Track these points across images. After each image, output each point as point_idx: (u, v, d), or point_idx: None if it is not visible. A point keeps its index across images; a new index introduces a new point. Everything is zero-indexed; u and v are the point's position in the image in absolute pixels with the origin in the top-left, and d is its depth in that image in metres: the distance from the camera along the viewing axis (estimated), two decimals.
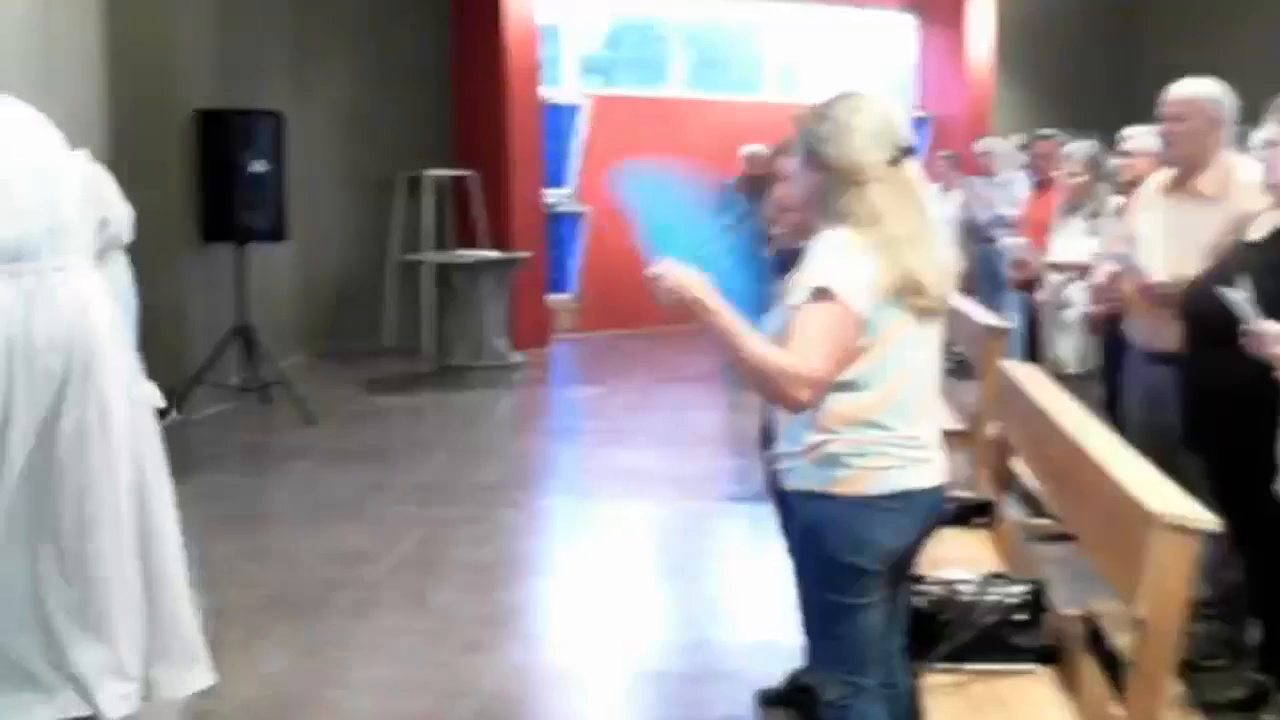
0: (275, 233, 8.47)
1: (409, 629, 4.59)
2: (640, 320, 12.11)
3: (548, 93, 11.60)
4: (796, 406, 2.53)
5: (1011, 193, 9.08)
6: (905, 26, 14.56)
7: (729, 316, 2.51)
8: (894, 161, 2.61)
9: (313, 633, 4.53)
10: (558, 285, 12.05)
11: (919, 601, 3.10)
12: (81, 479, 3.30)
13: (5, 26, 6.84)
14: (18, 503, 3.28)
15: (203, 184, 8.21)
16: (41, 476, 3.28)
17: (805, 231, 3.48)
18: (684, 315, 2.55)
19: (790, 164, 2.74)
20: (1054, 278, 5.95)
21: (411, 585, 5.07)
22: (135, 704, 3.36)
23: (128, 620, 3.35)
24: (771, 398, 2.58)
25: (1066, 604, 3.34)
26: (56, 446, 3.27)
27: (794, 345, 2.50)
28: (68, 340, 3.25)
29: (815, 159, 2.63)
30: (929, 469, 2.68)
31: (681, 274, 2.53)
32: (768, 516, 4.44)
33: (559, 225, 12.08)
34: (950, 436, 3.09)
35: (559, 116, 11.98)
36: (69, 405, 3.25)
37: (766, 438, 3.60)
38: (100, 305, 3.38)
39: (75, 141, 7.54)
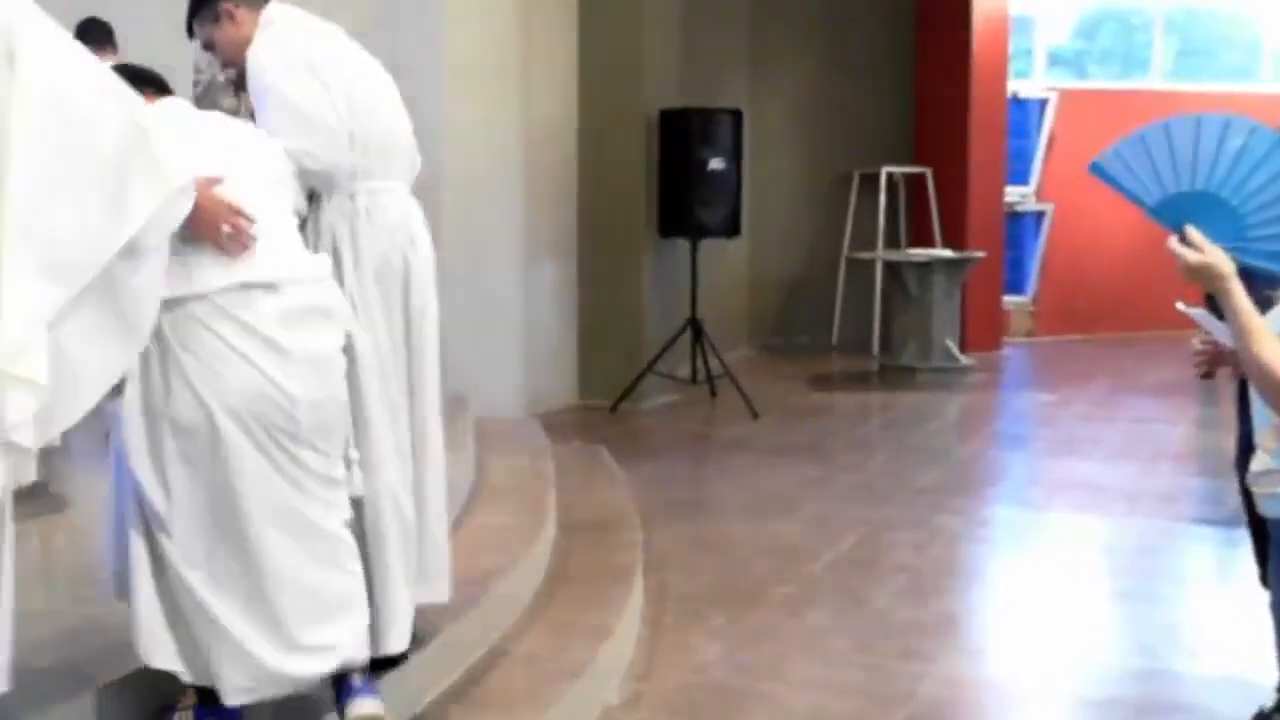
0: (730, 229, 8.62)
1: (844, 629, 4.51)
2: (1102, 325, 11.49)
3: (1013, 86, 11.17)
4: None
5: None
6: None
7: (1247, 307, 2.31)
8: None
9: (748, 624, 4.54)
10: (1014, 287, 11.58)
11: None
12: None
13: (489, 34, 7.35)
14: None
15: (662, 181, 8.48)
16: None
17: None
18: (1196, 293, 2.43)
19: None
20: None
21: (848, 585, 4.98)
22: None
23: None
24: (1276, 407, 2.38)
25: None
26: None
27: None
28: (391, 256, 3.33)
29: None
30: None
31: (1211, 251, 2.34)
32: (1243, 542, 4.05)
33: (1018, 224, 11.62)
34: None
35: (1024, 111, 11.52)
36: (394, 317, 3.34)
37: (1244, 456, 3.25)
38: (424, 231, 3.46)
39: (549, 141, 8.10)
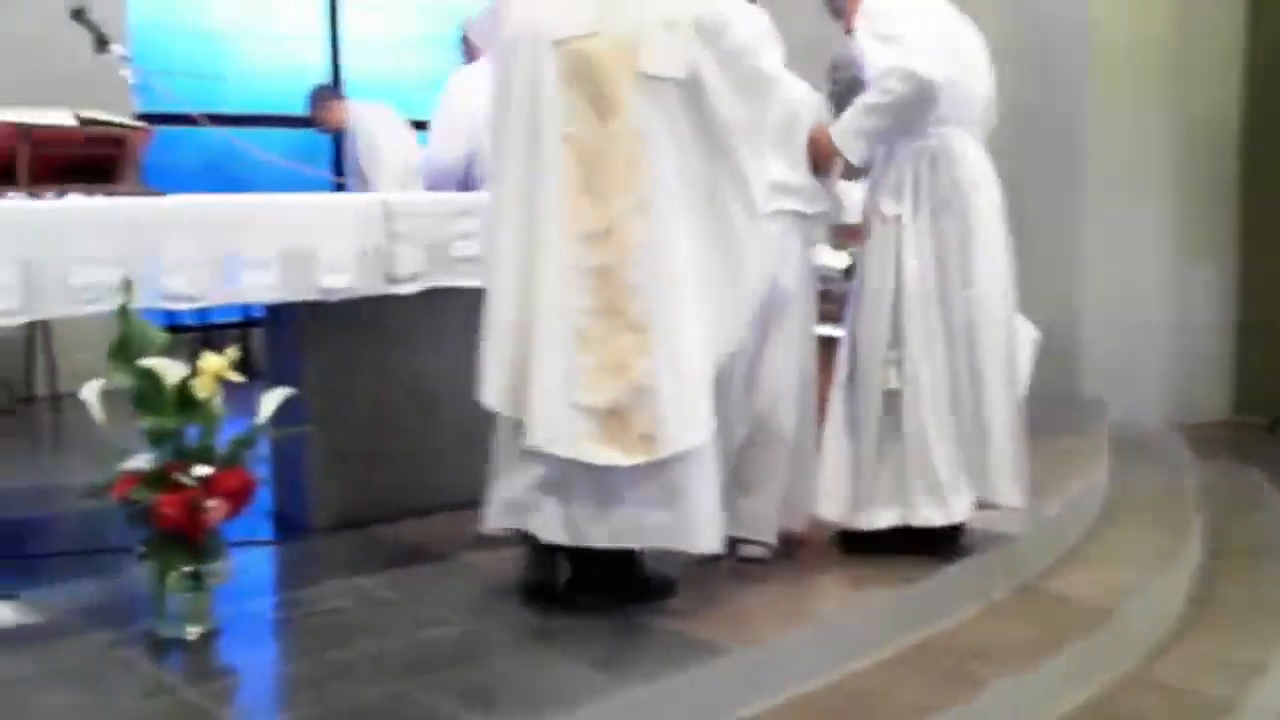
0: None
1: None
2: None
3: None
4: None
5: None
6: None
7: None
8: None
9: None
10: None
11: None
12: None
13: (1141, 12, 6.91)
14: None
15: None
16: None
17: None
18: None
19: None
20: None
21: None
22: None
23: None
24: None
25: None
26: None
27: None
28: (951, 198, 3.62)
29: None
30: None
31: None
32: None
33: None
34: None
35: None
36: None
37: None
38: (990, 177, 3.69)
39: (1210, 131, 7.43)
